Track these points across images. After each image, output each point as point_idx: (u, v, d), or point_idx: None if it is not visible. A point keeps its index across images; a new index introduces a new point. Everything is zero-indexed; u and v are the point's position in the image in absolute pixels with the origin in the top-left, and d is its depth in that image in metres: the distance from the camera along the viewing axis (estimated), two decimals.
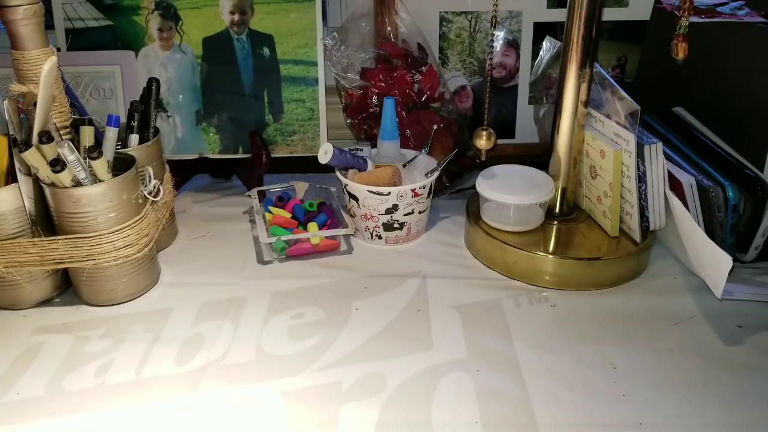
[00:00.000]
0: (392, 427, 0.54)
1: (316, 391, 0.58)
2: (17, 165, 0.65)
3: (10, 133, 0.66)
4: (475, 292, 0.72)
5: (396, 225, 0.80)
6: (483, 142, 0.75)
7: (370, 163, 0.83)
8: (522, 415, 0.55)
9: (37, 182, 0.66)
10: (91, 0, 0.90)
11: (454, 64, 0.98)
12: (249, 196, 0.89)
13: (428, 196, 0.81)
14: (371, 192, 0.78)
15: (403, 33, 0.92)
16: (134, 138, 0.78)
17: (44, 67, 0.62)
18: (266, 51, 0.90)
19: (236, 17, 0.89)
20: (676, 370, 0.60)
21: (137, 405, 0.57)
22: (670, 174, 0.71)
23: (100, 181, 0.66)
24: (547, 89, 0.90)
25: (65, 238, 0.65)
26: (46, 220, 0.68)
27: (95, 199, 0.65)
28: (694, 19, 0.77)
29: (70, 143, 0.64)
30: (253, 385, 0.59)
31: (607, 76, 0.73)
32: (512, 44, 0.96)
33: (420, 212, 0.81)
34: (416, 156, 0.85)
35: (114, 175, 0.67)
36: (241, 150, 0.93)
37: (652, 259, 0.77)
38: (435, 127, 0.89)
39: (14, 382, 0.60)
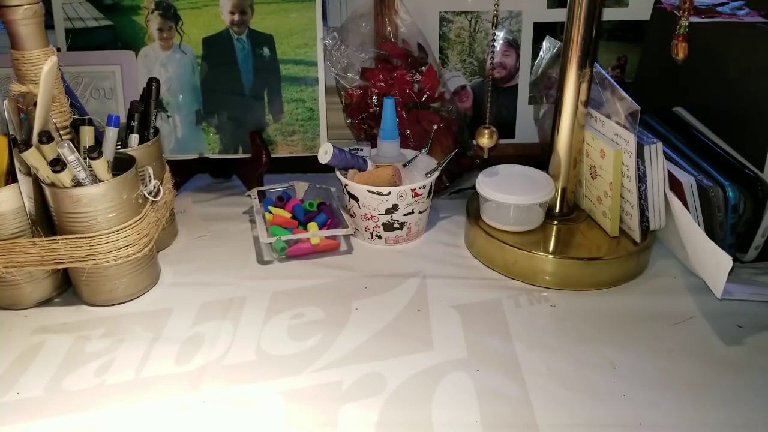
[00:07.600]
0: (392, 427, 0.54)
1: (315, 391, 0.58)
2: (17, 165, 0.65)
3: (10, 133, 0.66)
4: (475, 292, 0.72)
5: (396, 225, 0.80)
6: (485, 140, 0.75)
7: (370, 163, 0.83)
8: (522, 415, 0.55)
9: (37, 182, 0.66)
10: (91, 0, 0.90)
11: (454, 64, 0.98)
12: (249, 196, 0.89)
13: (428, 196, 0.81)
14: (371, 192, 0.78)
15: (403, 33, 0.92)
16: (134, 138, 0.78)
17: (44, 67, 0.62)
18: (266, 51, 0.90)
19: (236, 17, 0.89)
20: (676, 370, 0.60)
21: (137, 405, 0.57)
22: (670, 174, 0.71)
23: (100, 181, 0.66)
24: (547, 89, 0.90)
25: (65, 238, 0.65)
26: (46, 220, 0.68)
27: (95, 199, 0.65)
28: (694, 19, 0.77)
29: (70, 143, 0.64)
30: (253, 385, 0.59)
31: (607, 76, 0.73)
32: (512, 44, 0.96)
33: (420, 212, 0.81)
34: (416, 156, 0.85)
35: (114, 175, 0.67)
36: (241, 150, 0.93)
37: (652, 259, 0.77)
38: (435, 127, 0.89)
39: (14, 382, 0.60)
